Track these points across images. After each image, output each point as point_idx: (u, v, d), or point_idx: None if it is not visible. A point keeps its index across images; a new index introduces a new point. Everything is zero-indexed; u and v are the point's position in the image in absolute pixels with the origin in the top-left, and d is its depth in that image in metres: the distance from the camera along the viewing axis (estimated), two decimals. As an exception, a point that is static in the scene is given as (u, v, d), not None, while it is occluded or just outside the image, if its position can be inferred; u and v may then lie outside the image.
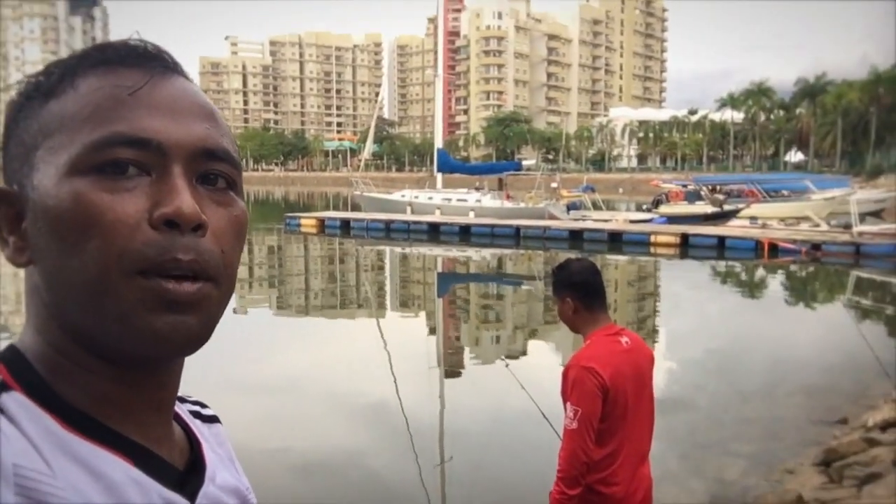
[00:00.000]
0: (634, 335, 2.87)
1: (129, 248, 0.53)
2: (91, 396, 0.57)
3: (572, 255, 24.58)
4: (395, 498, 5.78)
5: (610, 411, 2.58)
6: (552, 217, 27.96)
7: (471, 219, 28.48)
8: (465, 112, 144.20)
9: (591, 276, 2.84)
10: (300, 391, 8.75)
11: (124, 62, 0.58)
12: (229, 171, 0.60)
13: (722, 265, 21.58)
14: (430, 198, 31.87)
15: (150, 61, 0.59)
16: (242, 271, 21.76)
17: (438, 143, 35.56)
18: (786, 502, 4.73)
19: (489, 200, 30.63)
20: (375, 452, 6.70)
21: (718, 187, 36.94)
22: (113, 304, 0.53)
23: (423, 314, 16.01)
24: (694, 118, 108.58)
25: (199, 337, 0.57)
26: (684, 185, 37.80)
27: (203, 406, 0.75)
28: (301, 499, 5.71)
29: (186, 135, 0.57)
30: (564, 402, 2.59)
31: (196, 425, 0.69)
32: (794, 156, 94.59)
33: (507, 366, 3.82)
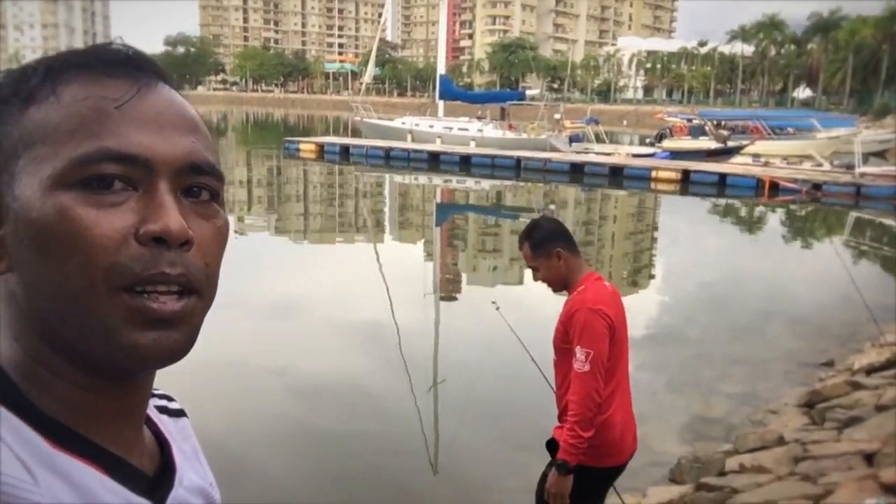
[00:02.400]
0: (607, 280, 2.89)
1: (115, 262, 0.53)
2: (65, 405, 0.57)
3: (572, 188, 24.53)
4: (389, 418, 5.94)
5: (612, 352, 2.64)
6: (554, 149, 27.72)
7: (471, 149, 28.21)
8: (470, 37, 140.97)
9: (563, 225, 2.88)
10: (298, 313, 8.86)
11: (109, 71, 0.57)
12: (213, 183, 0.60)
13: (722, 202, 21.54)
14: (431, 126, 31.49)
15: (136, 71, 0.58)
16: (242, 193, 21.73)
17: (441, 69, 34.86)
18: (767, 442, 4.86)
19: (491, 130, 30.28)
20: (371, 374, 6.85)
21: (723, 123, 36.50)
22: (98, 319, 0.53)
23: (420, 242, 16.07)
24: (703, 50, 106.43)
25: (182, 350, 0.57)
26: (689, 120, 37.32)
27: (170, 399, 0.75)
28: (298, 417, 5.87)
29: (173, 149, 0.57)
30: (572, 344, 2.61)
31: (163, 422, 0.70)
32: (802, 92, 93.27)
33: (497, 308, 3.84)
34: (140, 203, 0.55)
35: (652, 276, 12.93)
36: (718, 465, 4.67)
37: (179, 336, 0.56)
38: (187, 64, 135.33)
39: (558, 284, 2.81)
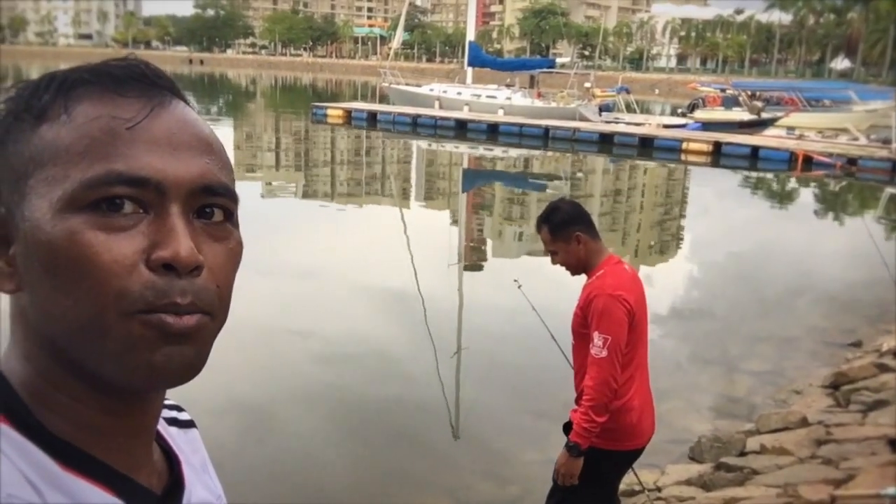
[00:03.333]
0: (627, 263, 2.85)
1: (127, 289, 0.52)
2: (75, 425, 0.56)
3: (600, 158, 24.30)
4: (412, 382, 6.02)
5: (630, 338, 2.62)
6: (583, 118, 27.34)
7: (499, 117, 27.96)
8: (501, 2, 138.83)
9: (583, 208, 2.84)
10: (324, 277, 8.95)
11: (122, 89, 0.56)
12: (227, 203, 0.59)
13: (753, 175, 21.18)
14: (459, 93, 31.20)
15: (150, 88, 0.57)
16: (270, 158, 21.82)
17: (471, 35, 34.42)
18: (789, 423, 4.81)
19: (519, 98, 29.94)
20: (394, 339, 6.93)
21: (758, 93, 35.71)
22: (111, 343, 0.53)
23: (446, 209, 16.05)
24: (739, 18, 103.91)
25: (195, 367, 0.56)
26: (722, 90, 36.54)
27: (179, 410, 0.75)
28: (322, 379, 5.96)
29: (185, 172, 0.55)
30: (590, 330, 2.59)
31: (172, 435, 0.69)
32: (841, 63, 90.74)
33: (519, 287, 3.83)
34: (151, 227, 0.54)
35: (680, 249, 12.82)
36: (739, 445, 4.64)
37: (191, 352, 0.55)
38: (216, 27, 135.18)
39: (577, 268, 2.77)
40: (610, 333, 2.53)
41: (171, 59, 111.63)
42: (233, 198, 0.60)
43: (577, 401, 2.76)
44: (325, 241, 11.30)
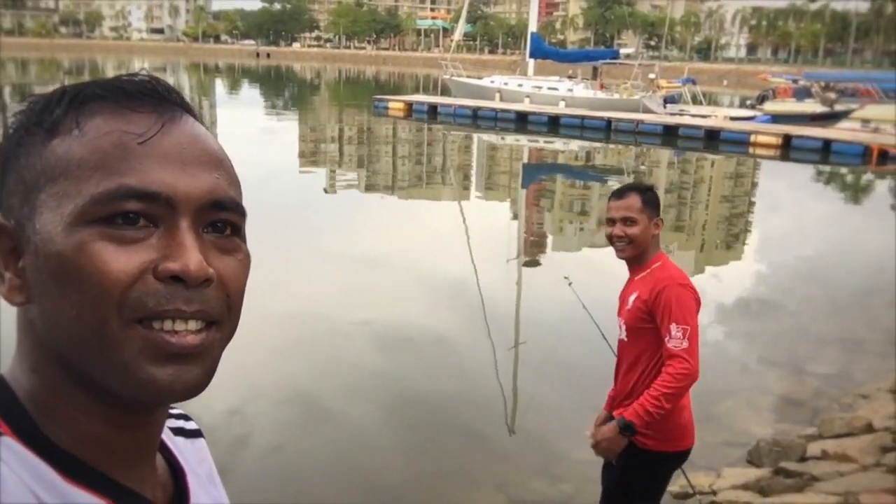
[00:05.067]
0: None
1: (128, 296, 0.53)
2: (79, 437, 0.56)
3: (665, 151, 23.81)
4: (468, 375, 6.05)
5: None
6: (647, 110, 26.85)
7: (560, 109, 27.69)
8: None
9: None
10: (384, 268, 9.05)
11: (133, 105, 0.56)
12: (235, 218, 0.60)
13: (825, 169, 20.45)
14: (520, 85, 31.03)
15: (161, 104, 0.58)
16: (333, 150, 22.14)
17: (532, 26, 34.15)
18: (853, 428, 4.65)
19: (581, 90, 29.58)
20: (452, 331, 6.97)
21: (831, 84, 34.41)
22: (114, 354, 0.54)
23: (506, 202, 16.02)
24: (814, 6, 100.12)
25: (201, 385, 0.57)
26: (794, 81, 35.43)
27: (186, 419, 0.74)
28: (380, 368, 6.06)
29: (195, 187, 0.56)
30: (662, 323, 2.52)
31: (178, 446, 0.69)
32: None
33: (570, 284, 3.80)
34: (161, 240, 0.55)
35: (748, 245, 12.49)
36: (799, 450, 4.51)
37: (198, 371, 0.56)
38: (283, 21, 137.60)
39: (636, 249, 2.65)
40: (687, 323, 2.49)
41: (238, 52, 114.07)
42: (241, 213, 0.61)
43: (624, 401, 2.69)
44: (386, 233, 11.42)
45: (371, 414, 5.29)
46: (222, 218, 0.59)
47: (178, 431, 0.71)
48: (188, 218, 0.56)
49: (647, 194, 2.68)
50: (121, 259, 0.53)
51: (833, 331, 7.38)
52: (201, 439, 0.74)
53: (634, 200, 2.64)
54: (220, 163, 0.60)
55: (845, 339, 7.11)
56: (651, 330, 2.58)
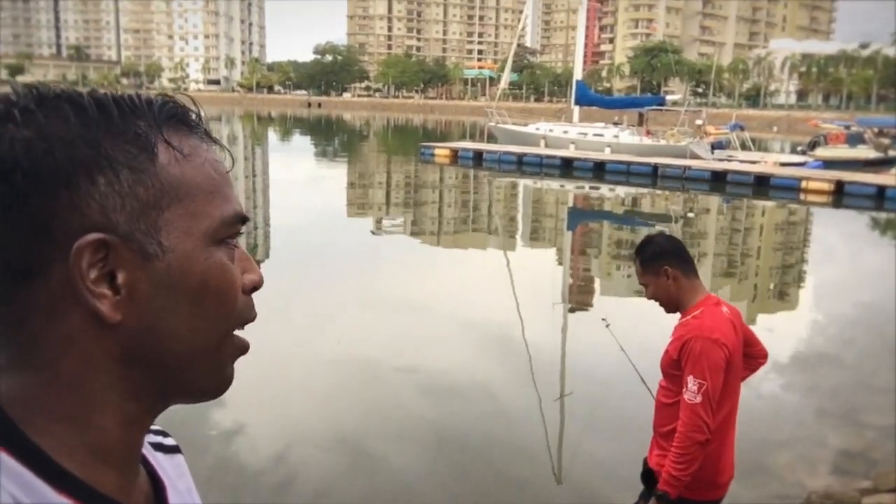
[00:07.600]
0: (728, 304, 2.73)
1: (240, 310, 0.61)
2: (66, 447, 0.56)
3: (713, 198, 23.54)
4: (515, 424, 5.97)
5: (725, 382, 2.52)
6: (694, 156, 26.66)
7: (606, 155, 27.67)
8: (611, 41, 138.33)
9: (681, 244, 2.77)
10: (429, 314, 9.07)
11: (192, 130, 0.61)
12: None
13: (881, 216, 19.92)
14: (565, 132, 31.19)
15: (199, 127, 0.62)
16: (380, 196, 22.44)
17: (578, 74, 34.45)
18: (911, 483, 4.45)
19: (627, 136, 29.58)
20: (498, 379, 6.90)
21: (885, 130, 33.75)
22: (216, 357, 0.61)
23: (551, 248, 15.97)
24: (865, 52, 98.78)
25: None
26: (846, 127, 34.77)
27: (165, 435, 0.74)
28: (425, 415, 6.02)
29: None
30: (684, 372, 2.50)
31: (158, 460, 0.69)
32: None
33: (607, 326, 3.77)
34: (237, 257, 0.62)
35: (801, 293, 12.18)
36: (853, 504, 4.34)
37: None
38: (335, 71, 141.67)
39: (669, 304, 2.69)
40: (706, 379, 2.44)
41: (291, 101, 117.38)
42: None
43: (661, 443, 2.68)
44: (432, 278, 11.47)
45: (416, 461, 5.25)
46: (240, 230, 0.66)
47: (158, 447, 0.71)
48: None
49: (643, 253, 2.70)
50: (238, 276, 0.61)
51: (890, 381, 7.09)
52: (180, 455, 0.74)
53: (637, 267, 2.74)
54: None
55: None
56: (679, 377, 2.55)
